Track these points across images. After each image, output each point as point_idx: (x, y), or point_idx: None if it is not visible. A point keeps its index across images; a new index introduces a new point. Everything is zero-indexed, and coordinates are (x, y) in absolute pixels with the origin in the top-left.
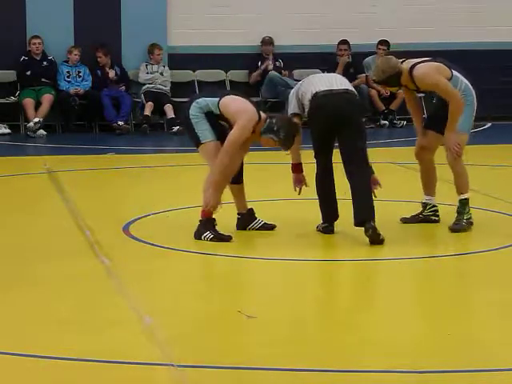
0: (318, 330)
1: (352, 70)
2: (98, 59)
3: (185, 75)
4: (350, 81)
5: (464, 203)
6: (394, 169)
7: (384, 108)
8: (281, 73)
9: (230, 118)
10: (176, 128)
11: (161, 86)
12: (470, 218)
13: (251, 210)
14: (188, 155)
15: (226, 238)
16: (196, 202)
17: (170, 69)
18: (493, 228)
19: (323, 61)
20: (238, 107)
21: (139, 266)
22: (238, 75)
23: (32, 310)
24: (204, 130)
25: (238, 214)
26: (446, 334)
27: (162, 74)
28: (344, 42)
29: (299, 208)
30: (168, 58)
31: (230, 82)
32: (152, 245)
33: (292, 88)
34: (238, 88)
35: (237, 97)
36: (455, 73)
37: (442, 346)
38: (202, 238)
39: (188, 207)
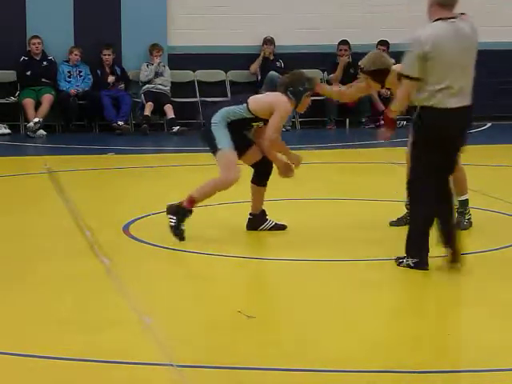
0: (318, 330)
1: (352, 71)
2: (106, 57)
3: (185, 75)
4: (350, 81)
5: (464, 203)
6: (394, 169)
7: (384, 108)
8: (281, 73)
9: (264, 111)
10: (176, 128)
11: (161, 86)
12: (470, 218)
13: (264, 211)
14: (188, 155)
15: (180, 236)
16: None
17: (170, 69)
18: (492, 228)
19: (323, 61)
20: (270, 97)
21: (139, 266)
22: (238, 75)
23: (32, 310)
24: (223, 137)
25: (251, 214)
26: (446, 334)
27: (162, 74)
28: (344, 42)
29: (300, 208)
30: (168, 58)
31: (230, 82)
32: (152, 245)
33: None
34: (239, 88)
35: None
36: None
37: (441, 346)
38: (168, 216)
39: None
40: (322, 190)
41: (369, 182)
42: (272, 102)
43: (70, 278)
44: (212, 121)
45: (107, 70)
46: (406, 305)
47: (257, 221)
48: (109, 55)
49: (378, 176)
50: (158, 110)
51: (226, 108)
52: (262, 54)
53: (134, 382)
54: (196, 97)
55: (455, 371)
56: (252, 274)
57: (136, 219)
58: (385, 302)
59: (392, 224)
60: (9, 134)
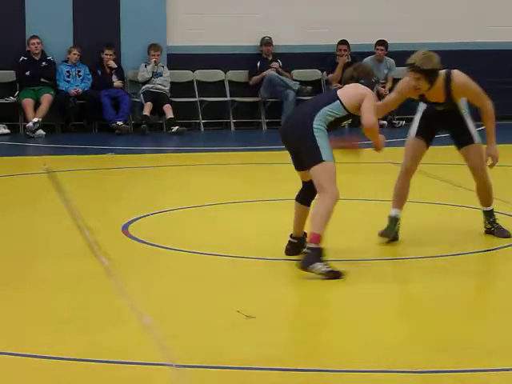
0: (318, 331)
1: None
2: (108, 56)
3: (184, 75)
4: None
5: (491, 212)
6: (393, 169)
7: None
8: (280, 73)
9: (355, 105)
10: (175, 128)
11: (160, 86)
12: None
13: (305, 233)
14: (188, 155)
15: (338, 275)
16: (195, 202)
17: (170, 69)
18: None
19: (323, 61)
20: (356, 89)
21: (138, 266)
22: (238, 75)
23: (32, 310)
24: (327, 148)
25: (294, 237)
26: (443, 334)
27: (161, 74)
28: (343, 42)
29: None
30: (167, 58)
31: (229, 82)
32: (151, 245)
33: (291, 88)
34: (238, 88)
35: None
36: None
37: (436, 346)
38: (313, 269)
39: (187, 207)
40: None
41: (368, 181)
42: (360, 93)
43: (69, 277)
44: (314, 125)
45: (107, 70)
46: (403, 304)
47: (301, 245)
48: (110, 55)
49: (377, 175)
50: (158, 110)
51: (325, 108)
52: (265, 70)
53: (134, 382)
54: (195, 97)
55: (453, 371)
56: (251, 273)
57: (135, 219)
58: (382, 302)
59: (380, 234)
60: (8, 133)
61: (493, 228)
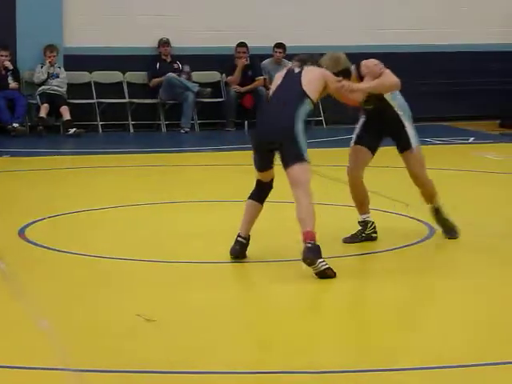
0: (218, 333)
1: (250, 73)
2: (3, 58)
3: (81, 76)
4: (249, 83)
5: (439, 209)
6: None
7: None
8: (179, 75)
9: (320, 91)
10: (72, 130)
11: (57, 88)
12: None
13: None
14: (85, 157)
15: (333, 273)
16: (93, 205)
17: (67, 70)
18: (393, 229)
19: (221, 63)
20: (315, 73)
21: (35, 269)
22: (136, 77)
23: None
24: (306, 146)
25: (242, 237)
26: (343, 334)
27: (57, 75)
28: (242, 44)
29: (205, 210)
30: (64, 59)
31: (128, 83)
32: (48, 248)
33: (191, 90)
34: (136, 90)
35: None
36: None
37: (334, 346)
38: (318, 263)
39: (85, 210)
40: (224, 192)
41: None
42: (321, 76)
43: None
44: (296, 129)
45: (3, 71)
46: (309, 304)
47: (247, 245)
48: (6, 56)
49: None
50: (54, 112)
51: (300, 110)
52: (164, 71)
53: None
54: (93, 98)
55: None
56: (152, 277)
57: (32, 222)
58: (287, 303)
59: (346, 241)
60: None
61: (447, 223)
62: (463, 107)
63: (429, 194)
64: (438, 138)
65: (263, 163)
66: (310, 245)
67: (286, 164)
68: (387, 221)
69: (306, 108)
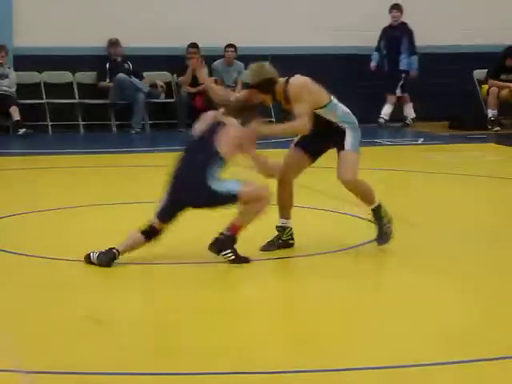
0: (170, 333)
1: None
2: None
3: (31, 77)
4: (200, 84)
5: (377, 211)
6: (242, 170)
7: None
8: (130, 75)
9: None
10: (22, 130)
11: (6, 88)
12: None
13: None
14: (35, 158)
15: (244, 260)
16: (42, 206)
17: (16, 70)
18: (345, 229)
19: (172, 64)
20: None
21: None
22: (86, 77)
23: None
24: (230, 183)
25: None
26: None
27: (6, 75)
28: (193, 45)
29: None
30: (14, 59)
31: (78, 84)
32: (1, 250)
33: (141, 91)
34: (86, 90)
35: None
36: (334, 99)
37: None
38: (221, 254)
39: (33, 212)
40: None
41: None
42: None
43: None
44: (212, 187)
45: None
46: (262, 304)
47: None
48: None
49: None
50: (4, 112)
51: (213, 169)
52: (114, 72)
53: None
54: (43, 99)
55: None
56: (104, 279)
57: None
58: (241, 302)
59: (263, 249)
60: None
61: (383, 227)
62: (413, 109)
63: (364, 196)
64: (389, 139)
65: (170, 215)
66: (222, 236)
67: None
68: (338, 221)
69: (219, 166)
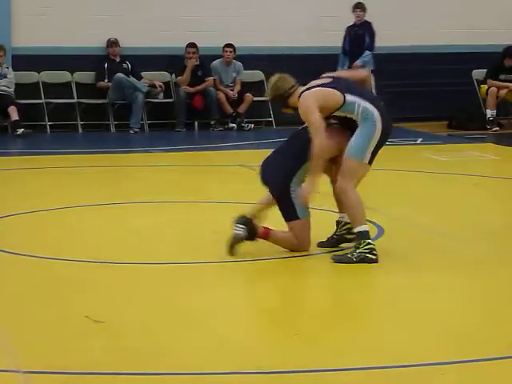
0: (169, 335)
1: (200, 73)
2: None
3: (29, 76)
4: (199, 84)
5: (361, 236)
6: (243, 171)
7: (232, 111)
8: (128, 75)
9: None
10: (20, 130)
11: (4, 88)
12: (371, 250)
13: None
14: (33, 158)
15: (234, 249)
16: (42, 206)
17: (15, 70)
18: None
19: (171, 63)
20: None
21: None
22: (85, 77)
23: None
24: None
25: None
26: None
27: (5, 75)
28: (192, 44)
29: (152, 211)
30: (12, 59)
31: (76, 83)
32: None
33: (140, 91)
34: (85, 90)
35: None
36: (350, 97)
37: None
38: (237, 226)
39: (32, 211)
40: (173, 193)
41: (218, 184)
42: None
43: None
44: (292, 187)
45: None
46: (259, 305)
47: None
48: None
49: (227, 178)
50: (2, 112)
51: (301, 170)
52: (113, 72)
53: None
54: (41, 98)
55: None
56: (102, 278)
57: None
58: (236, 302)
59: (319, 245)
60: None
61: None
62: (412, 108)
63: (352, 214)
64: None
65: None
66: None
67: (284, 218)
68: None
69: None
